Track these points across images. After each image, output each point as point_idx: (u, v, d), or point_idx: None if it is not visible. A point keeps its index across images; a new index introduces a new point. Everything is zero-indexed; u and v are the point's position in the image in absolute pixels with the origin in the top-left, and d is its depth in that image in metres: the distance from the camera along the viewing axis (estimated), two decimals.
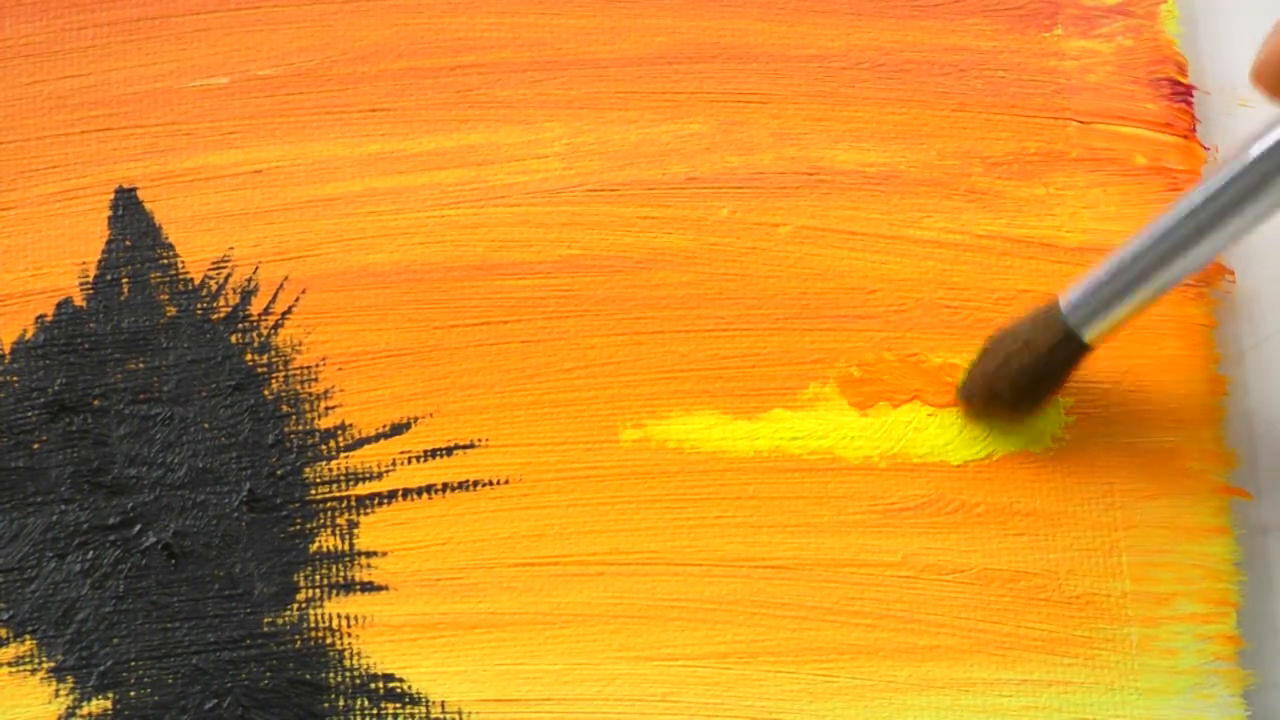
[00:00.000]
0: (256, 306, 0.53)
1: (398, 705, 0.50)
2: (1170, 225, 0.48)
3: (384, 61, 0.55)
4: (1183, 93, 0.55)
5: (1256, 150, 0.46)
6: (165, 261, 0.53)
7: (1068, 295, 0.49)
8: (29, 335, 0.52)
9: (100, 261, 0.53)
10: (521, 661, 0.50)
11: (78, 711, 0.50)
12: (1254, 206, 0.47)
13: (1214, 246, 0.47)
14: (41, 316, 0.53)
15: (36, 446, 0.52)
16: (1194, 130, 0.54)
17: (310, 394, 0.52)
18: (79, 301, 0.53)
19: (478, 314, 0.53)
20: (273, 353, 0.52)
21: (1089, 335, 0.49)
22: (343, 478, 0.52)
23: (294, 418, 0.52)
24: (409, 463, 0.52)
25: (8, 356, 0.52)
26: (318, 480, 0.52)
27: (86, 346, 0.52)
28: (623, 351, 0.53)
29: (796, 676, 0.50)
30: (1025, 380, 0.51)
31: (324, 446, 0.52)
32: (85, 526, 0.51)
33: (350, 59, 0.55)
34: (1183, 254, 0.48)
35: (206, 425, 0.52)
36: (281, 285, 0.53)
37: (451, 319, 0.53)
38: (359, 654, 0.50)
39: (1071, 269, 0.53)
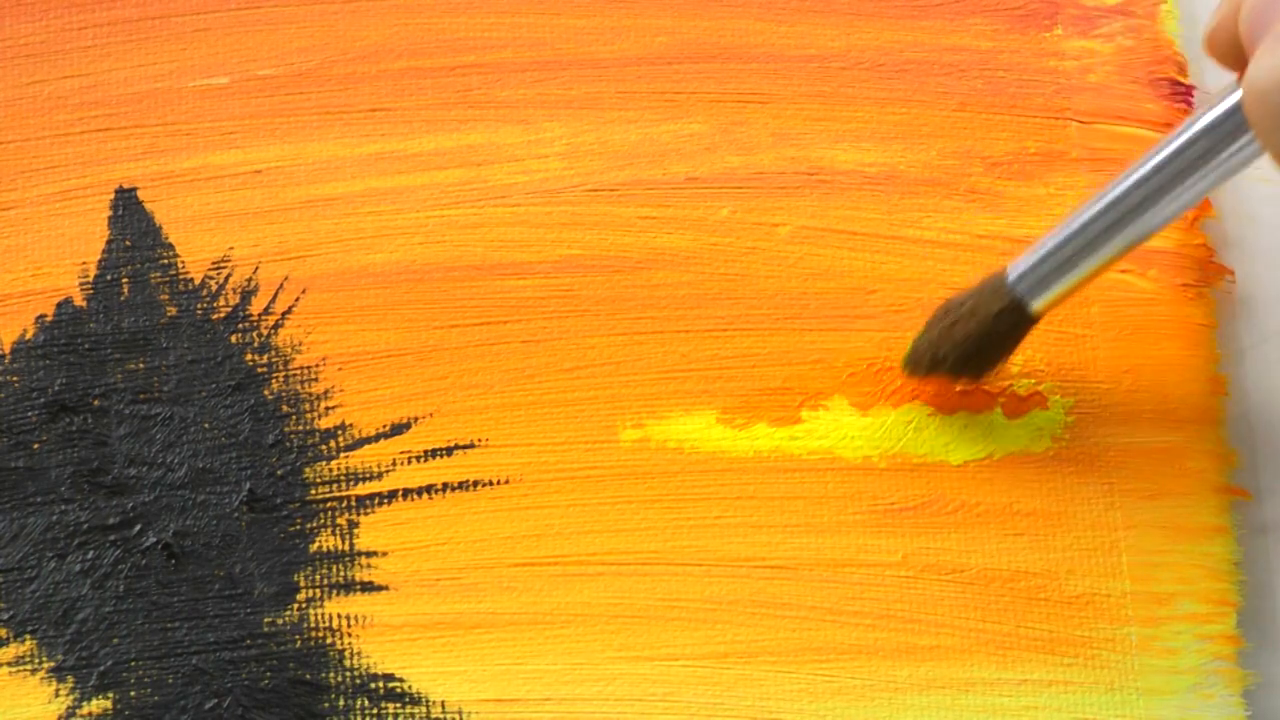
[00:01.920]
0: (256, 306, 0.53)
1: (398, 705, 0.50)
2: (1117, 196, 0.47)
3: (384, 61, 0.55)
4: (1183, 93, 0.55)
5: (1203, 121, 0.46)
6: (165, 261, 0.53)
7: (1015, 264, 0.49)
8: (29, 335, 0.52)
9: (100, 261, 0.53)
10: (521, 661, 0.50)
11: (78, 711, 0.50)
12: (1199, 176, 0.46)
13: (1161, 217, 0.47)
14: (41, 316, 0.53)
15: (36, 446, 0.52)
16: None
17: (310, 394, 0.52)
18: (79, 301, 0.53)
19: (478, 314, 0.53)
20: (273, 353, 0.52)
21: (1035, 305, 0.49)
22: (343, 478, 0.52)
23: (294, 418, 0.52)
24: (409, 463, 0.52)
25: (8, 356, 0.52)
26: (318, 480, 0.52)
27: (86, 346, 0.52)
28: (623, 351, 0.53)
29: (796, 676, 0.50)
30: (970, 348, 0.50)
31: (324, 446, 0.52)
32: (85, 526, 0.51)
33: (350, 59, 0.55)
34: (1128, 225, 0.47)
35: (206, 425, 0.52)
36: (281, 285, 0.53)
37: (451, 319, 0.53)
38: (359, 654, 0.50)
39: None
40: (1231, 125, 0.45)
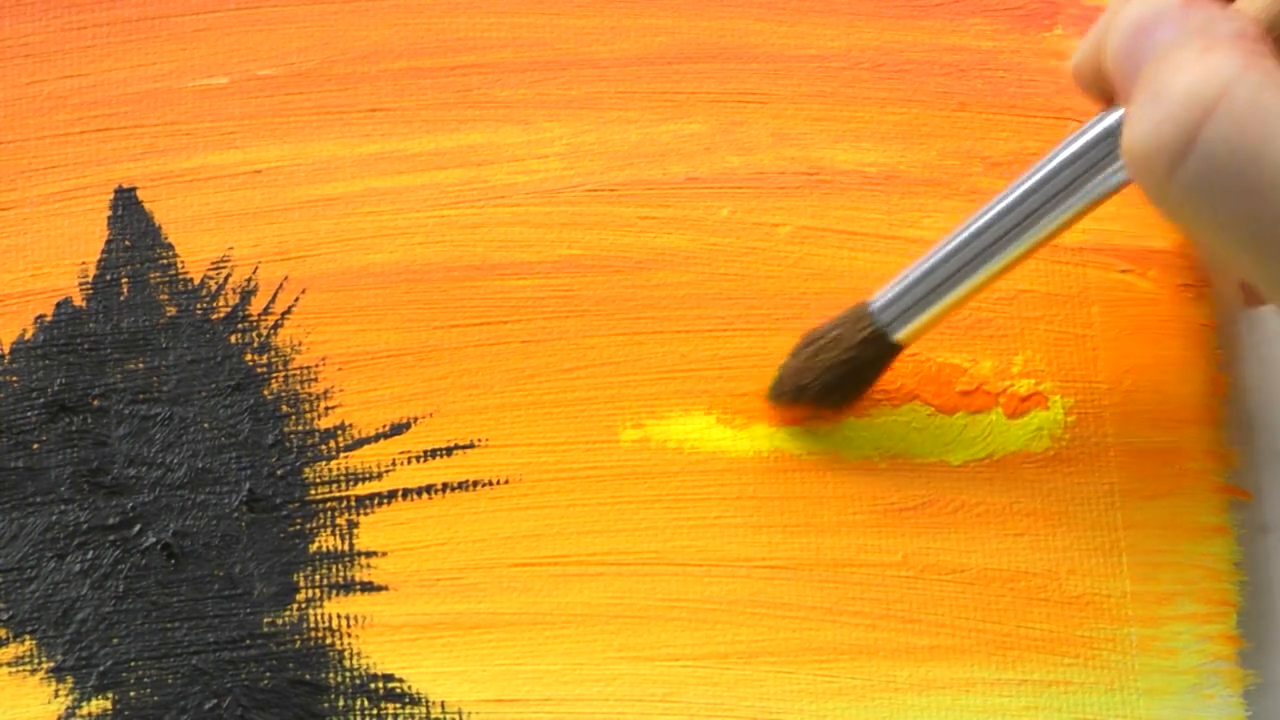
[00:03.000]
0: (256, 306, 0.53)
1: (398, 705, 0.50)
2: (980, 228, 0.48)
3: (384, 61, 0.55)
4: None
5: (1065, 153, 0.46)
6: (165, 261, 0.53)
7: (879, 294, 0.50)
8: (29, 335, 0.52)
9: (100, 261, 0.53)
10: (521, 661, 0.50)
11: (78, 711, 0.50)
12: (1066, 205, 0.47)
13: (1022, 249, 0.48)
14: (41, 316, 0.53)
15: (36, 446, 0.52)
16: None
17: (310, 394, 0.52)
18: (79, 301, 0.53)
19: (478, 314, 0.53)
20: (273, 353, 0.52)
21: (898, 335, 0.49)
22: (343, 478, 0.52)
23: (294, 418, 0.52)
24: (409, 463, 0.52)
25: (8, 356, 0.52)
26: (318, 480, 0.51)
27: (86, 346, 0.52)
28: (623, 351, 0.53)
29: (796, 676, 0.50)
30: (833, 377, 0.51)
31: (324, 446, 0.52)
32: (85, 526, 0.51)
33: (350, 59, 0.55)
34: (991, 258, 0.48)
35: (206, 425, 0.52)
36: (281, 285, 0.53)
37: (451, 319, 0.53)
38: (359, 654, 0.50)
39: (1071, 268, 0.53)
40: (1102, 152, 0.46)
